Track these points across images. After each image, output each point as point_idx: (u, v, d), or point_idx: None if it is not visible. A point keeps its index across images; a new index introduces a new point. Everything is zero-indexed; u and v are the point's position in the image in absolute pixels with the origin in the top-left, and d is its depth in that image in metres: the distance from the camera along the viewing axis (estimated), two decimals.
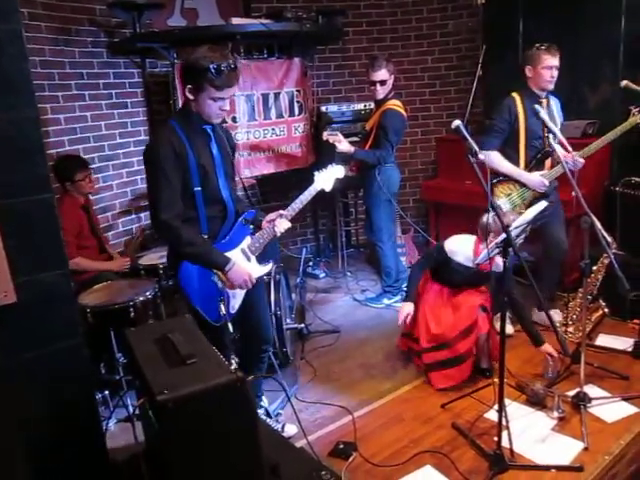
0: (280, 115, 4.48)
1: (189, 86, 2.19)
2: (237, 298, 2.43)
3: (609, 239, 2.64)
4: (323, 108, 4.82)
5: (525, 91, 3.27)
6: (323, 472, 1.91)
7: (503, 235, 2.18)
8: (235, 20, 4.03)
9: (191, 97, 2.21)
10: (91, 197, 3.70)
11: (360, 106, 4.85)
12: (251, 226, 2.50)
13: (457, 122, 2.24)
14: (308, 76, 4.70)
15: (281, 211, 2.50)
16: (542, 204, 2.43)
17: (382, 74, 3.77)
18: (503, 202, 3.22)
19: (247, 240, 2.45)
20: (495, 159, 3.21)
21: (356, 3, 5.21)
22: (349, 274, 4.86)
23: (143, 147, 4.66)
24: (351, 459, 2.43)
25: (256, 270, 2.46)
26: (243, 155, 4.31)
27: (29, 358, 1.78)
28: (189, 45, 4.19)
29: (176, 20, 4.61)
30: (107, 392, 2.85)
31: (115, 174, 4.31)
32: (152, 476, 1.89)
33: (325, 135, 3.85)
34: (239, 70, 2.24)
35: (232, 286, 2.34)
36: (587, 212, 2.48)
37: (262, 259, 2.53)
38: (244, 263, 2.39)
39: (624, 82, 3.11)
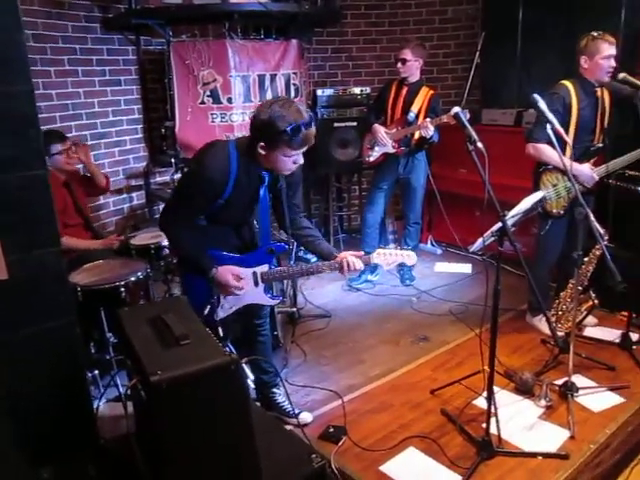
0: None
1: (262, 143, 2.10)
2: (224, 310, 2.42)
3: (601, 231, 2.64)
4: (319, 92, 4.77)
5: (579, 80, 3.09)
6: (313, 455, 1.91)
7: (499, 224, 2.18)
8: None
9: (262, 153, 2.12)
10: (81, 173, 3.62)
11: (356, 90, 4.81)
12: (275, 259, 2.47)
13: (456, 109, 2.22)
14: (305, 58, 4.64)
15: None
16: (539, 194, 2.43)
17: (404, 53, 3.87)
18: (549, 191, 3.13)
19: (263, 267, 2.40)
20: (546, 152, 3.05)
21: None
22: None
23: (136, 125, 4.61)
24: (340, 443, 2.45)
25: (259, 296, 2.44)
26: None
27: (20, 335, 1.77)
28: (185, 23, 4.16)
29: None
30: (97, 372, 2.84)
31: (107, 152, 4.26)
32: (143, 456, 1.89)
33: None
34: (314, 128, 2.11)
35: (225, 292, 2.36)
36: (582, 204, 2.48)
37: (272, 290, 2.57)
38: (248, 285, 2.38)
39: (622, 74, 3.07)
